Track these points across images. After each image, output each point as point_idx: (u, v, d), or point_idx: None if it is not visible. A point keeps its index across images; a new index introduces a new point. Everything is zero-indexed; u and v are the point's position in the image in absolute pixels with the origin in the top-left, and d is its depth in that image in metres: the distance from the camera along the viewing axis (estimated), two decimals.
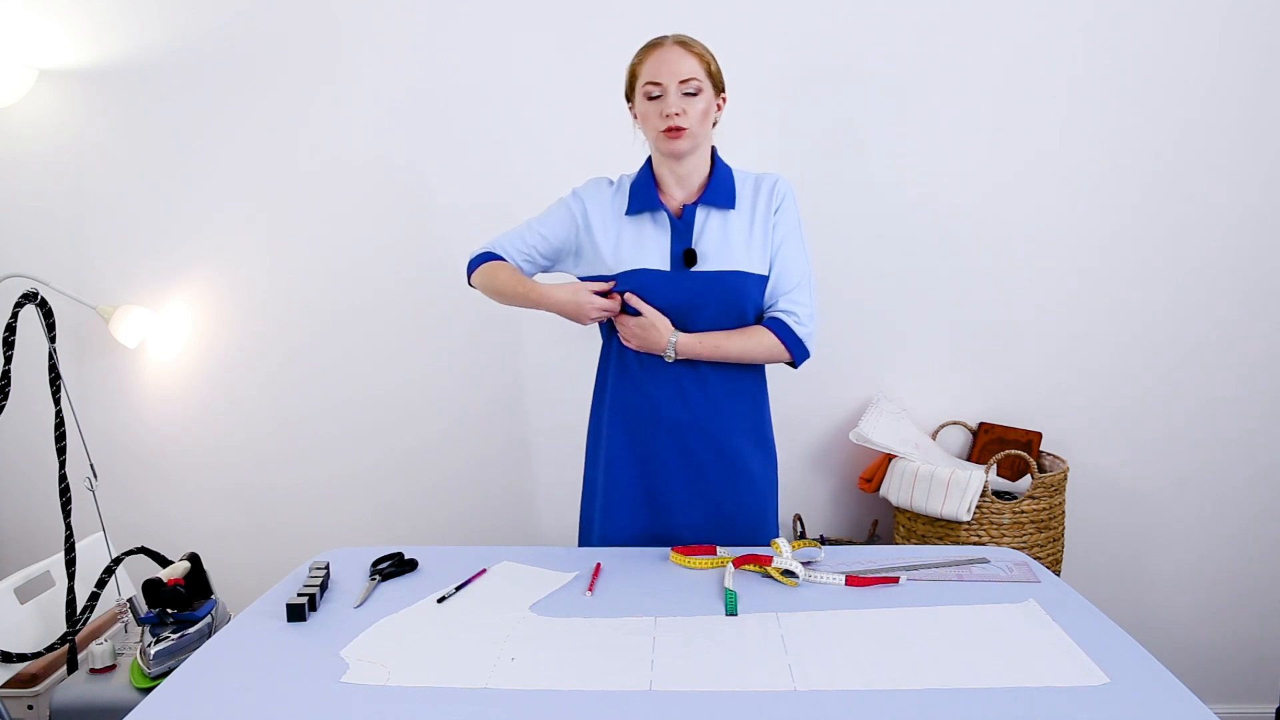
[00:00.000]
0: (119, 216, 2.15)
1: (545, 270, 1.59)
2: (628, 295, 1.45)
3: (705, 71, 1.42)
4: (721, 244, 1.45)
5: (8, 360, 1.53)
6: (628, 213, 1.48)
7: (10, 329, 1.54)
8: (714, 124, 1.49)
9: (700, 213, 1.46)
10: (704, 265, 1.44)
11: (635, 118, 1.49)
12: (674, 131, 1.40)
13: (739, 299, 1.45)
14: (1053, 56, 1.99)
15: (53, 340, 1.58)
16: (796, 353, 1.47)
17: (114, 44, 2.08)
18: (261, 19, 2.06)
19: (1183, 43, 1.97)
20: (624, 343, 1.49)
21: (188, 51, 2.07)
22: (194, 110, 2.10)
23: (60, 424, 1.61)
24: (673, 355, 1.45)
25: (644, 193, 1.48)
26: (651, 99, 1.42)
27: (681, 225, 1.46)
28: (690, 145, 1.43)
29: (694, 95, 1.40)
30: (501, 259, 1.54)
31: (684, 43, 1.42)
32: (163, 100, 2.10)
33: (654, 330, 1.44)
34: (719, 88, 1.46)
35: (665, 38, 1.43)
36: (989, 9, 1.98)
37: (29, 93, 2.09)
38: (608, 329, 1.55)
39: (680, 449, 1.49)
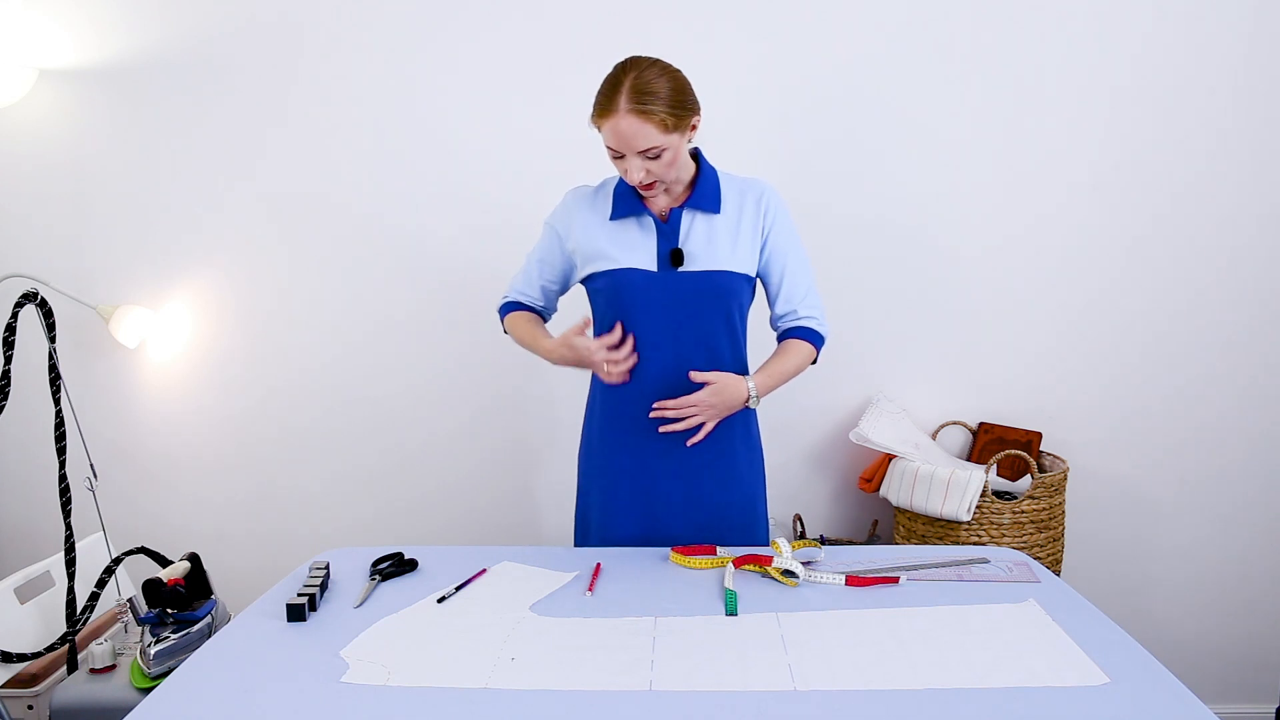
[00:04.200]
0: (119, 216, 2.15)
1: (565, 290, 1.62)
2: (692, 374, 1.40)
3: (664, 132, 1.31)
4: (707, 245, 1.45)
5: (8, 360, 1.53)
6: (612, 217, 1.48)
7: (10, 329, 1.54)
8: (690, 140, 1.43)
9: (686, 216, 1.46)
10: (691, 266, 1.44)
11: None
12: (645, 187, 1.40)
13: (726, 298, 1.46)
14: (1053, 59, 1.99)
15: (53, 340, 1.58)
16: (820, 349, 1.54)
17: (114, 44, 2.08)
18: (263, 19, 2.05)
19: (1187, 45, 1.97)
20: (702, 420, 1.41)
21: (188, 51, 2.07)
22: (194, 110, 2.10)
23: (60, 424, 1.61)
24: (757, 401, 1.46)
25: (628, 198, 1.48)
26: (616, 158, 1.38)
27: (667, 228, 1.46)
28: (662, 190, 1.44)
29: (658, 156, 1.35)
30: (520, 305, 1.60)
31: (637, 110, 1.29)
32: (163, 100, 2.10)
33: (729, 389, 1.41)
34: (685, 119, 1.36)
35: (618, 96, 1.30)
36: (993, 13, 1.98)
37: (29, 93, 2.09)
38: (601, 334, 1.54)
39: (672, 452, 1.49)
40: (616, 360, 1.41)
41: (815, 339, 1.52)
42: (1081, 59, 1.99)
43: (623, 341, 1.44)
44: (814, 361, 1.54)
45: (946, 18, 1.99)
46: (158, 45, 2.08)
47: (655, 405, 1.43)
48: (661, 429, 1.43)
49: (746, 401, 1.45)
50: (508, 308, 1.61)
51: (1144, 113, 2.00)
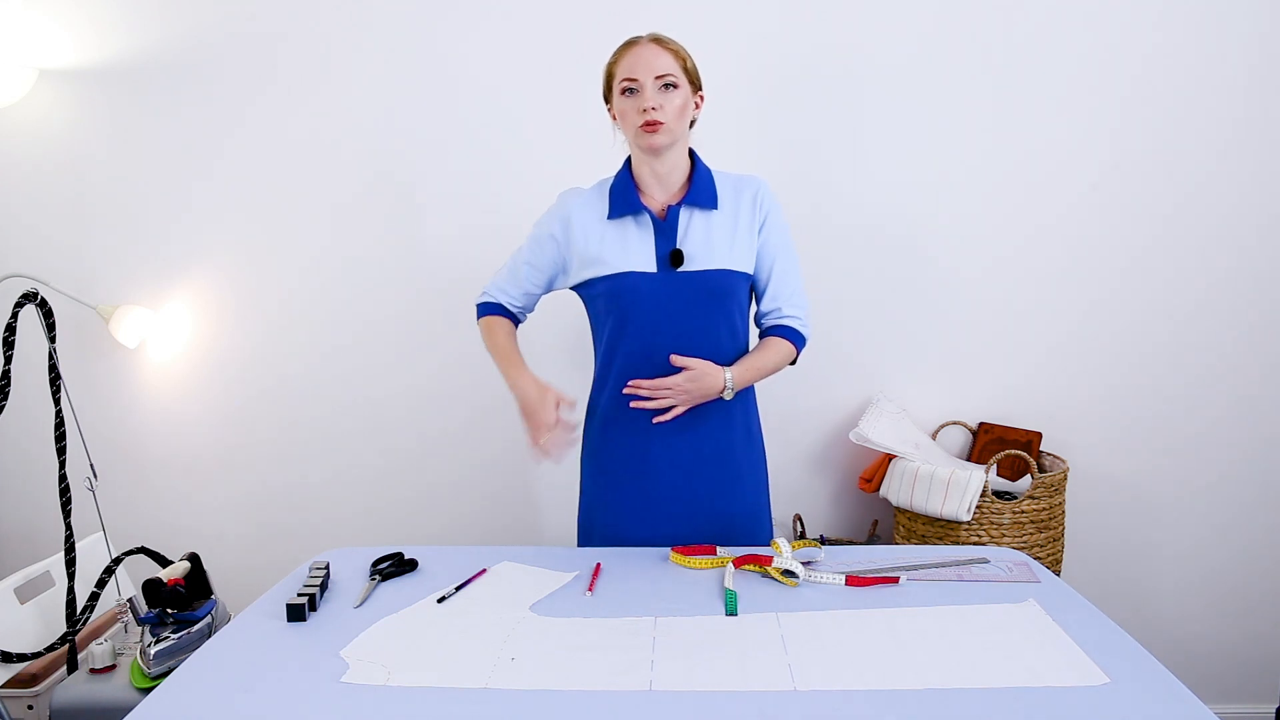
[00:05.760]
0: (119, 216, 2.15)
1: (547, 292, 1.61)
2: (673, 357, 1.41)
3: (681, 68, 1.42)
4: (706, 243, 1.45)
5: (8, 360, 1.53)
6: (609, 216, 1.48)
7: (10, 329, 1.54)
8: (692, 123, 1.49)
9: (684, 213, 1.46)
10: (690, 265, 1.44)
11: (614, 119, 1.50)
12: (651, 126, 1.40)
13: (726, 297, 1.46)
14: (1050, 54, 1.99)
15: (53, 340, 1.58)
16: (801, 350, 1.54)
17: (114, 44, 2.08)
18: (262, 19, 2.06)
19: (1191, 52, 1.97)
20: (673, 403, 1.42)
21: (188, 52, 2.07)
22: (194, 110, 2.10)
23: (60, 424, 1.61)
24: (731, 392, 1.45)
25: (625, 195, 1.48)
26: (629, 95, 1.42)
27: (665, 226, 1.46)
28: (668, 140, 1.42)
29: (671, 90, 1.40)
30: (501, 307, 1.59)
31: (659, 40, 1.42)
32: (163, 100, 2.10)
33: (707, 378, 1.41)
34: (696, 85, 1.46)
35: (641, 37, 1.44)
36: (1000, 13, 1.98)
37: (29, 93, 2.09)
38: (602, 338, 1.53)
39: (675, 457, 1.49)
40: (554, 443, 1.41)
41: (797, 339, 1.51)
42: (1080, 53, 1.99)
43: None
44: (793, 362, 1.54)
45: (944, 12, 1.99)
46: (158, 45, 2.08)
47: (630, 383, 1.43)
48: (633, 404, 1.43)
49: (721, 392, 1.44)
50: (487, 308, 1.60)
51: (1148, 115, 2.00)
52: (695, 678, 1.01)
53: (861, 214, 2.07)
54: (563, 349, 2.12)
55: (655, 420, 1.44)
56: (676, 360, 1.41)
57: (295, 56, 2.07)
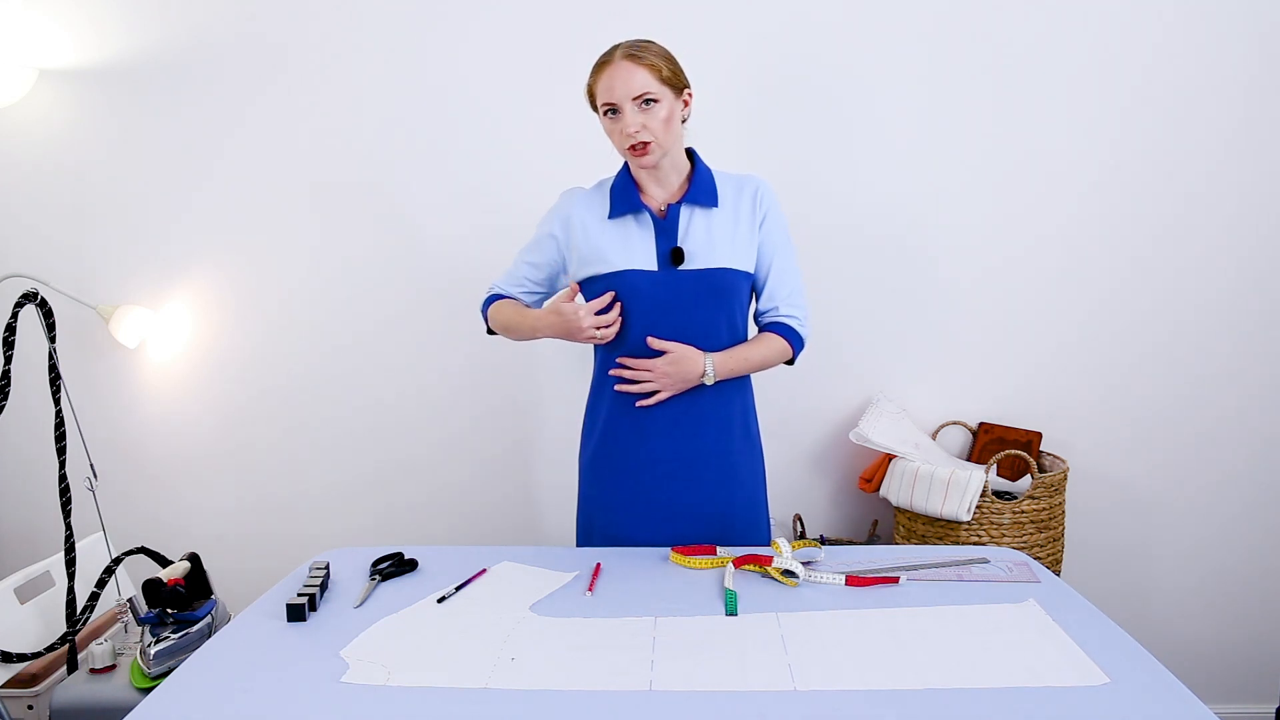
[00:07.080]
0: (119, 216, 2.15)
1: (550, 294, 1.61)
2: (650, 340, 1.42)
3: (659, 79, 1.38)
4: (707, 242, 1.45)
5: (8, 360, 1.53)
6: (610, 215, 1.48)
7: (10, 329, 1.54)
8: (684, 120, 1.48)
9: (685, 211, 1.46)
10: (691, 264, 1.44)
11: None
12: (638, 149, 1.39)
13: (727, 296, 1.46)
14: (1051, 53, 1.99)
15: (53, 340, 1.58)
16: (798, 351, 1.53)
17: (114, 44, 2.08)
18: (262, 19, 2.05)
19: (1194, 55, 1.96)
20: (656, 388, 1.43)
21: (188, 52, 2.07)
22: (194, 110, 2.10)
23: (60, 424, 1.61)
24: (712, 378, 1.45)
25: (625, 194, 1.48)
26: (610, 117, 1.41)
27: (666, 224, 1.46)
28: (658, 157, 1.42)
29: (652, 105, 1.38)
30: (503, 298, 1.59)
31: (632, 55, 1.38)
32: (163, 100, 2.09)
33: (686, 362, 1.42)
34: (680, 88, 1.44)
35: (615, 50, 1.40)
36: (990, 4, 1.98)
37: (29, 93, 2.09)
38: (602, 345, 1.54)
39: (675, 457, 1.49)
40: (604, 324, 1.43)
41: (793, 337, 1.51)
42: (1082, 52, 1.98)
43: (610, 306, 1.45)
44: (790, 362, 1.54)
45: (943, 13, 1.99)
46: (158, 45, 2.08)
47: (618, 359, 1.45)
48: (617, 387, 1.45)
49: (702, 377, 1.44)
50: (491, 300, 1.60)
51: (1148, 117, 2.00)
52: (695, 678, 1.01)
53: (862, 214, 2.07)
54: (563, 348, 2.12)
55: (638, 404, 1.45)
56: (654, 343, 1.41)
57: (295, 56, 2.07)
